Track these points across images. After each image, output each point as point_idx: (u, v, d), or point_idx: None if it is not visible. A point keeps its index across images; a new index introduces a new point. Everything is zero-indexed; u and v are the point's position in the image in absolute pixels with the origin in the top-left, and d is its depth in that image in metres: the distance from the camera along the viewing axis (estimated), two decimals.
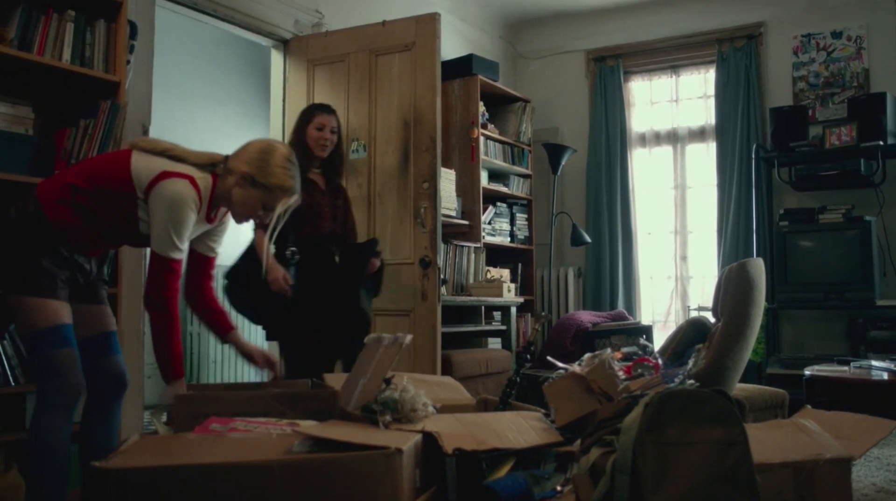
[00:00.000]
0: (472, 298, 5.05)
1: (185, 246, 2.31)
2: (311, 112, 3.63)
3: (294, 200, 2.43)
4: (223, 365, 5.46)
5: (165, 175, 2.25)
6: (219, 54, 5.82)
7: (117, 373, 2.44)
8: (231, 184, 2.34)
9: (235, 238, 5.60)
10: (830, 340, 5.26)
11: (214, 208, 2.42)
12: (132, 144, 2.38)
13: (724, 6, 5.83)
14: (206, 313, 2.59)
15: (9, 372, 2.67)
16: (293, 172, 2.39)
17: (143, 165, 2.28)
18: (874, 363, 4.13)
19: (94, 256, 2.43)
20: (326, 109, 3.65)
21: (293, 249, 3.43)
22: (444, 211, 4.52)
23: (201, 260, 2.57)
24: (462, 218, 5.20)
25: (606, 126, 6.15)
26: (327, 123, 3.57)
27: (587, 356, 2.52)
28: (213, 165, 2.37)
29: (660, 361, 2.97)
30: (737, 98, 5.66)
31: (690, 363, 3.16)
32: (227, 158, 2.39)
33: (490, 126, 5.58)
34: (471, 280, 5.31)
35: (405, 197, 4.15)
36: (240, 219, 2.45)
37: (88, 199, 2.28)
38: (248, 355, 2.61)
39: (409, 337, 2.35)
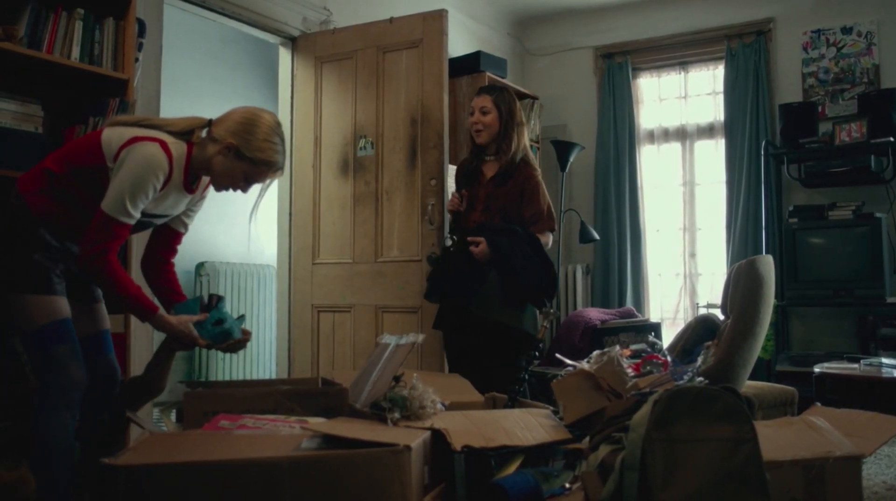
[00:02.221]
0: None
1: (137, 214, 2.22)
2: (473, 97, 3.50)
3: (279, 175, 2.40)
4: (232, 362, 5.47)
5: (136, 139, 2.21)
6: (227, 52, 5.83)
7: (109, 372, 2.44)
8: (213, 152, 2.30)
9: (229, 236, 5.62)
10: (840, 337, 5.23)
11: (193, 177, 2.37)
12: (108, 122, 2.35)
13: (732, 2, 5.80)
14: (163, 287, 2.51)
15: (18, 369, 2.68)
16: (279, 146, 2.34)
17: (115, 135, 2.24)
18: (884, 360, 4.12)
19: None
20: (480, 89, 3.51)
21: (452, 237, 3.39)
22: None
23: (170, 234, 2.52)
24: None
25: (615, 123, 6.13)
26: (476, 106, 3.43)
27: (596, 353, 2.52)
28: (192, 131, 2.33)
29: (668, 358, 2.97)
30: (746, 94, 5.64)
31: (699, 360, 3.16)
32: (210, 122, 2.35)
33: None
34: None
35: (413, 194, 4.14)
36: (220, 188, 2.40)
37: (65, 182, 2.25)
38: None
39: (421, 337, 2.36)
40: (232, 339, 2.43)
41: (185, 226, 2.55)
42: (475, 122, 3.45)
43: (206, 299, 2.44)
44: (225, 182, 2.35)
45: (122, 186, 2.18)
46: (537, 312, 3.41)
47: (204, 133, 2.35)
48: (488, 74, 5.23)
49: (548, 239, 3.46)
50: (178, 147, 2.28)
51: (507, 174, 3.43)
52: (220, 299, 2.43)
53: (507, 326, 3.29)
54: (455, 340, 3.46)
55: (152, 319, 2.28)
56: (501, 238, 3.29)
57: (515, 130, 3.45)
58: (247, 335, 2.49)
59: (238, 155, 2.29)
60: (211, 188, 2.50)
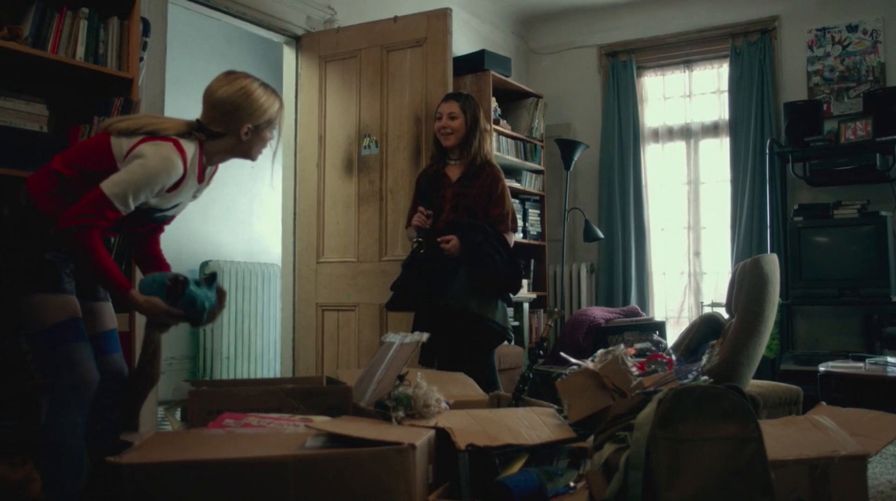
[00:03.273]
0: None
1: (132, 208, 2.22)
2: (439, 103, 3.64)
3: (283, 110, 2.50)
4: (236, 361, 5.48)
5: (148, 139, 2.24)
6: (231, 51, 5.83)
7: (116, 371, 2.44)
8: (232, 142, 2.39)
9: (233, 235, 5.62)
10: (845, 336, 5.22)
11: (206, 167, 2.43)
12: (107, 128, 2.35)
13: (737, 0, 5.79)
14: (148, 256, 2.55)
15: (24, 369, 2.69)
16: (269, 93, 2.43)
17: (125, 140, 2.27)
18: (889, 359, 4.10)
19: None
20: (447, 96, 3.65)
21: (420, 240, 3.45)
22: None
23: None
24: None
25: (619, 122, 6.12)
26: (444, 111, 3.55)
27: (600, 352, 2.51)
28: (189, 132, 2.36)
29: (673, 357, 2.96)
30: (750, 93, 5.63)
31: (704, 359, 3.15)
32: (199, 122, 2.37)
33: (502, 122, 5.56)
34: None
35: None
36: (255, 158, 2.50)
37: (74, 185, 2.26)
38: None
39: (425, 336, 2.36)
40: (207, 313, 2.39)
41: (184, 207, 2.54)
42: (444, 126, 3.55)
43: (169, 282, 2.33)
44: (260, 150, 2.48)
45: (131, 177, 2.19)
46: (509, 308, 3.56)
47: (200, 131, 2.37)
48: (492, 72, 5.23)
49: (511, 238, 3.58)
50: (189, 146, 2.31)
51: (473, 175, 3.54)
52: (185, 281, 2.33)
53: (480, 318, 3.37)
54: (429, 342, 3.49)
55: (124, 295, 2.27)
56: (472, 234, 3.42)
57: (479, 134, 3.59)
58: (222, 297, 2.47)
59: (257, 128, 2.40)
60: (217, 175, 2.56)
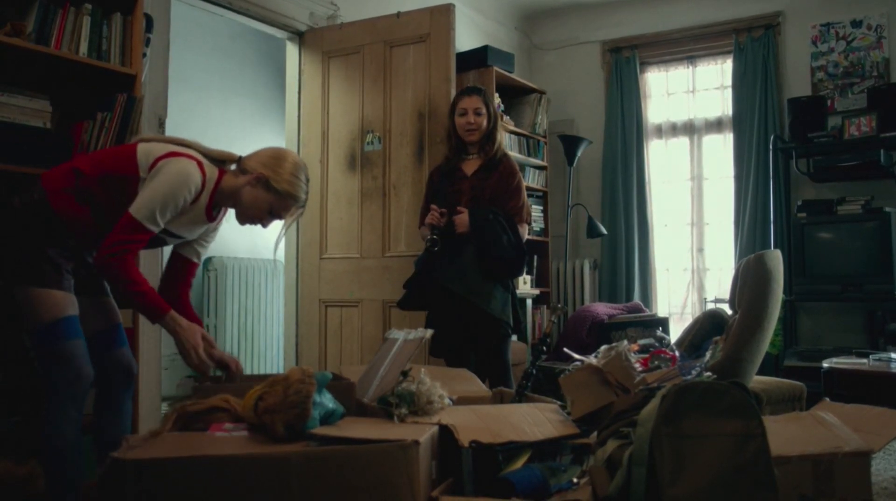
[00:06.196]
0: None
1: (161, 224, 2.25)
2: (456, 98, 3.65)
3: (300, 213, 2.45)
4: (239, 357, 5.46)
5: (174, 154, 2.26)
6: (234, 47, 5.83)
7: (125, 365, 2.45)
8: (242, 183, 2.35)
9: (236, 231, 5.62)
10: (848, 332, 5.22)
11: (216, 205, 2.41)
12: (140, 138, 2.40)
13: None
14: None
15: (28, 364, 2.69)
16: (304, 184, 2.41)
17: (151, 148, 2.29)
18: (893, 355, 4.10)
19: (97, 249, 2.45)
20: (469, 90, 3.64)
21: (434, 237, 3.46)
22: None
23: (184, 264, 2.54)
24: None
25: (622, 117, 6.12)
26: (469, 107, 3.56)
27: (603, 348, 2.51)
28: (224, 161, 2.39)
29: (676, 353, 2.96)
30: (754, 89, 5.62)
31: (707, 355, 3.15)
32: (241, 158, 2.41)
33: (505, 118, 5.56)
34: None
35: (420, 189, 4.14)
36: (244, 220, 2.44)
37: (93, 186, 2.27)
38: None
39: (429, 333, 2.36)
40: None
41: (199, 256, 2.57)
42: (471, 122, 3.55)
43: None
44: (250, 213, 2.40)
45: (155, 194, 2.21)
46: (510, 297, 3.53)
47: (234, 167, 2.41)
48: (495, 68, 5.23)
49: (524, 230, 3.61)
50: (211, 170, 2.33)
51: (491, 168, 3.56)
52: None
53: (476, 306, 3.37)
54: (442, 335, 3.49)
55: (163, 319, 2.26)
56: (482, 212, 3.46)
57: (499, 128, 3.64)
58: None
59: (266, 186, 2.35)
60: (224, 217, 2.54)
